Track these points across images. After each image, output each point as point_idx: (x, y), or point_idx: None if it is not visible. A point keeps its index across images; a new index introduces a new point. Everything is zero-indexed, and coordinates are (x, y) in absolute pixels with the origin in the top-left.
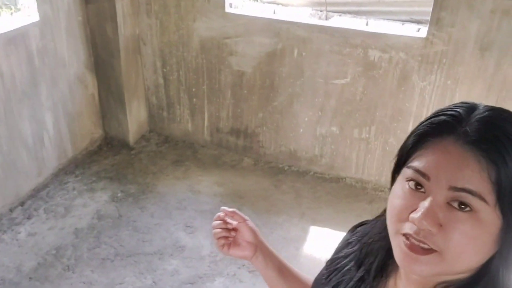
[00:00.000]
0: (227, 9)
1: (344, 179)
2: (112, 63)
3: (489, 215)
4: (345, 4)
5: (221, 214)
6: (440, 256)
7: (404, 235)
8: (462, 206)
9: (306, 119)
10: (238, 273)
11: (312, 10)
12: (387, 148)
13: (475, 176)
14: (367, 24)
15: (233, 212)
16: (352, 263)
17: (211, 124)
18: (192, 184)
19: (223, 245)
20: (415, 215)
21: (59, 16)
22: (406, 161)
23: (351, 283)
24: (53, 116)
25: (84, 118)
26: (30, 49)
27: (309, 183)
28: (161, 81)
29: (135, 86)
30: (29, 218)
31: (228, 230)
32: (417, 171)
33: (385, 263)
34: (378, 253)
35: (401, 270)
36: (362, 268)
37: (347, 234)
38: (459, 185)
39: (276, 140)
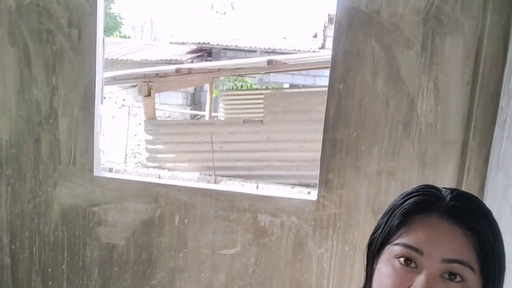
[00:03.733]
0: (96, 173)
1: None
2: None
3: (475, 283)
4: (234, 168)
5: None
6: None
7: None
8: (452, 277)
9: None
10: None
11: (200, 174)
12: None
13: (463, 248)
14: (257, 188)
15: None
16: None
17: None
18: None
19: None
20: None
21: None
22: (390, 239)
23: None
24: None
25: None
26: None
27: None
28: (7, 261)
29: None
30: None
31: None
32: (409, 246)
33: None
34: None
35: None
36: None
37: None
38: (451, 256)
39: None
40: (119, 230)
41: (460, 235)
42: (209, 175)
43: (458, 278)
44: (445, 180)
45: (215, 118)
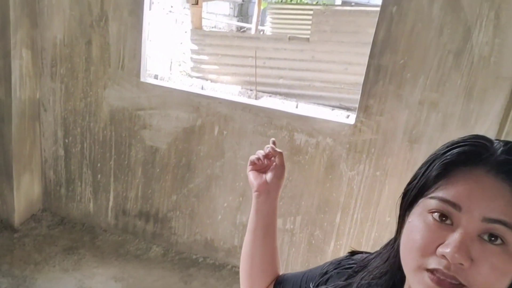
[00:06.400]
0: (143, 78)
1: None
2: (1, 129)
3: None
4: (275, 85)
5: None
6: None
7: (430, 270)
8: (493, 239)
9: (225, 204)
10: None
11: (242, 88)
12: (313, 242)
13: (509, 207)
14: (296, 107)
15: (280, 153)
16: None
17: (117, 205)
18: (83, 278)
19: (253, 164)
20: (446, 249)
21: None
22: (425, 192)
23: None
24: None
25: None
26: None
27: (225, 279)
28: (61, 153)
29: (29, 157)
30: None
31: (266, 157)
32: (447, 201)
33: None
34: None
35: None
36: None
37: (343, 257)
38: (494, 216)
39: (191, 227)
40: (162, 135)
41: (508, 193)
42: (251, 90)
43: (498, 241)
44: (489, 116)
45: (261, 32)
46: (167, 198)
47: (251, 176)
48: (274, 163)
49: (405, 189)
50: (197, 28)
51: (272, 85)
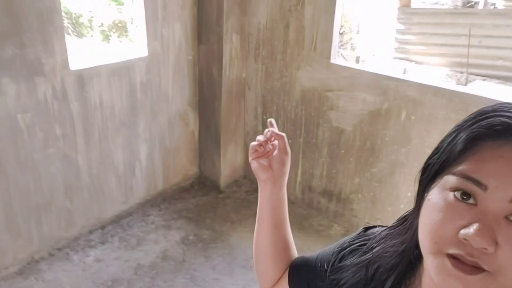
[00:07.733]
0: (333, 60)
1: None
2: (214, 104)
3: None
4: (492, 67)
5: (269, 133)
6: (491, 276)
7: (450, 255)
8: None
9: (409, 194)
10: None
11: (451, 71)
12: None
13: None
14: None
15: (282, 137)
16: (360, 274)
17: (304, 180)
18: None
19: (255, 151)
20: (468, 231)
21: (168, 54)
22: (447, 168)
23: None
24: (148, 148)
25: (181, 154)
26: (133, 81)
27: None
28: (260, 127)
29: (234, 129)
30: (103, 243)
31: (268, 141)
32: (471, 179)
33: (398, 281)
34: (392, 270)
35: None
36: (372, 284)
37: (357, 234)
38: None
39: (372, 212)
40: (348, 117)
41: None
42: (461, 73)
43: None
44: None
45: (492, 7)
46: (350, 180)
47: (254, 164)
48: (277, 148)
49: (425, 163)
50: (405, 6)
51: (488, 67)
